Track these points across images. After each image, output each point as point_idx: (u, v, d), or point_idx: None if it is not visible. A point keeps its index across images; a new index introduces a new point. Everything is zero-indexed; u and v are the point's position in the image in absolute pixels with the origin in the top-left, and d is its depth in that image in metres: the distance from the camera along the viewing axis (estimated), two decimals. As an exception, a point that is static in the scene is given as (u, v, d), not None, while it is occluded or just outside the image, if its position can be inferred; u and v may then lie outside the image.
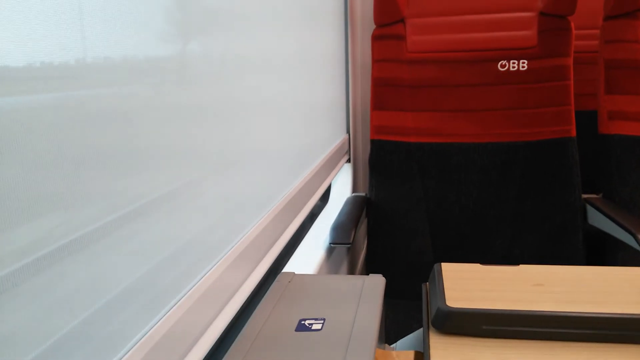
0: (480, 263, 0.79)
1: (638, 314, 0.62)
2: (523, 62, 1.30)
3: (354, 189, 1.65)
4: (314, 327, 0.68)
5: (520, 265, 0.77)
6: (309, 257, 1.07)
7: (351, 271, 1.52)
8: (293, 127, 0.95)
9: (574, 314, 0.63)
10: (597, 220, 1.24)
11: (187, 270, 0.55)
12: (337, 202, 1.46)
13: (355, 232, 1.15)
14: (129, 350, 0.44)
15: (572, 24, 1.29)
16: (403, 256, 1.34)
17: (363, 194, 1.45)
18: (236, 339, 0.66)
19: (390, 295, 1.33)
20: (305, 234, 1.20)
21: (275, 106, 0.84)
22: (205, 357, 0.57)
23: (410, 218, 1.34)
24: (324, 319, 0.69)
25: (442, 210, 1.33)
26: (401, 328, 1.20)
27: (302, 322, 0.69)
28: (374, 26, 1.39)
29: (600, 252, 1.34)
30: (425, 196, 1.34)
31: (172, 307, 0.52)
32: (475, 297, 0.69)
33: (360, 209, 1.30)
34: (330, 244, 1.12)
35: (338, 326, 0.67)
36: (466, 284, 0.73)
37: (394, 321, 1.22)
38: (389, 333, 1.28)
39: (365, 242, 1.40)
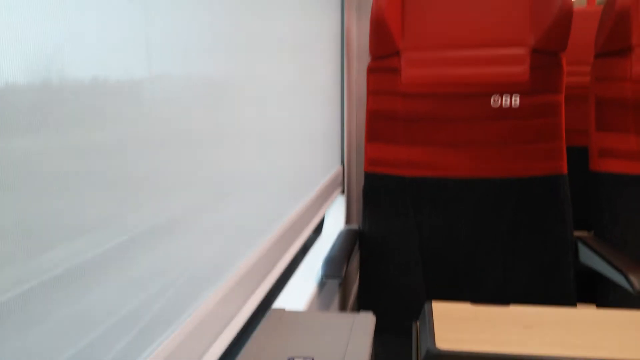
0: (472, 297, 0.79)
1: (628, 359, 0.62)
2: (515, 98, 1.32)
3: (348, 220, 1.65)
4: (303, 367, 0.67)
5: (511, 305, 0.77)
6: (300, 291, 1.07)
7: (343, 305, 1.51)
8: (287, 159, 0.96)
9: (564, 358, 0.63)
10: (589, 258, 1.25)
11: (175, 305, 0.55)
12: (331, 233, 1.46)
13: (347, 267, 1.14)
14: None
15: (564, 60, 1.31)
16: (395, 291, 1.33)
17: (356, 227, 1.45)
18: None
19: (381, 331, 1.32)
20: (298, 266, 1.20)
21: (269, 139, 0.84)
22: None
23: (403, 252, 1.34)
24: (313, 359, 0.69)
25: (434, 245, 1.33)
26: None
27: (291, 361, 0.68)
28: (369, 58, 1.41)
29: (592, 289, 1.34)
30: (417, 230, 1.34)
31: (160, 343, 0.51)
32: (465, 338, 0.69)
33: (352, 242, 1.30)
34: (322, 277, 1.11)
35: (327, 366, 0.67)
36: (456, 325, 0.72)
37: (384, 358, 1.21)
38: (380, 369, 1.27)
39: (358, 275, 1.40)
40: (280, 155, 0.91)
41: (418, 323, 0.77)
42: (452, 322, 0.73)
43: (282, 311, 0.83)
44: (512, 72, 1.32)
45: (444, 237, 1.33)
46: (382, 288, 1.34)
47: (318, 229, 1.51)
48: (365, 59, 1.65)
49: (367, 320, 0.79)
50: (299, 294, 1.05)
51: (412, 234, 1.34)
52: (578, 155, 1.60)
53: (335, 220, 1.57)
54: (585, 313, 0.75)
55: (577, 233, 1.32)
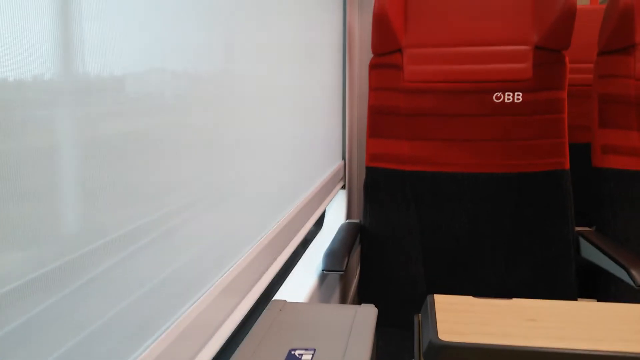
0: (473, 292, 0.79)
1: (630, 352, 0.62)
2: (518, 95, 1.32)
3: (349, 215, 1.65)
4: (304, 358, 0.67)
5: (513, 299, 0.77)
6: (301, 284, 1.06)
7: (343, 298, 1.51)
8: (289, 154, 0.95)
9: (567, 351, 0.63)
10: (590, 253, 1.24)
11: (177, 297, 0.55)
12: (332, 228, 1.46)
13: (348, 260, 1.14)
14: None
15: (567, 58, 1.31)
16: (395, 285, 1.33)
17: (357, 221, 1.44)
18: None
19: (382, 324, 1.31)
20: (299, 259, 1.20)
21: (270, 134, 0.84)
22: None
23: (404, 246, 1.33)
24: (314, 350, 0.68)
25: (435, 239, 1.33)
26: (392, 359, 1.19)
27: (292, 352, 0.68)
28: (371, 54, 1.41)
29: (593, 285, 1.33)
30: (419, 225, 1.34)
31: (160, 335, 0.51)
32: (467, 330, 0.69)
33: (353, 236, 1.30)
34: (323, 270, 1.11)
35: (328, 358, 0.67)
36: (459, 317, 0.72)
37: (385, 351, 1.21)
38: (380, 363, 1.26)
39: (358, 269, 1.39)
40: (281, 151, 0.90)
41: (420, 315, 0.77)
42: (455, 314, 0.73)
43: (282, 302, 0.83)
44: (514, 69, 1.32)
45: (445, 231, 1.33)
46: (383, 282, 1.33)
47: (319, 224, 1.50)
48: (367, 55, 1.65)
49: (369, 313, 0.79)
50: (300, 287, 1.05)
51: (414, 229, 1.33)
52: (579, 152, 1.60)
53: (337, 214, 1.57)
54: (588, 306, 0.75)
55: (578, 229, 1.31)
